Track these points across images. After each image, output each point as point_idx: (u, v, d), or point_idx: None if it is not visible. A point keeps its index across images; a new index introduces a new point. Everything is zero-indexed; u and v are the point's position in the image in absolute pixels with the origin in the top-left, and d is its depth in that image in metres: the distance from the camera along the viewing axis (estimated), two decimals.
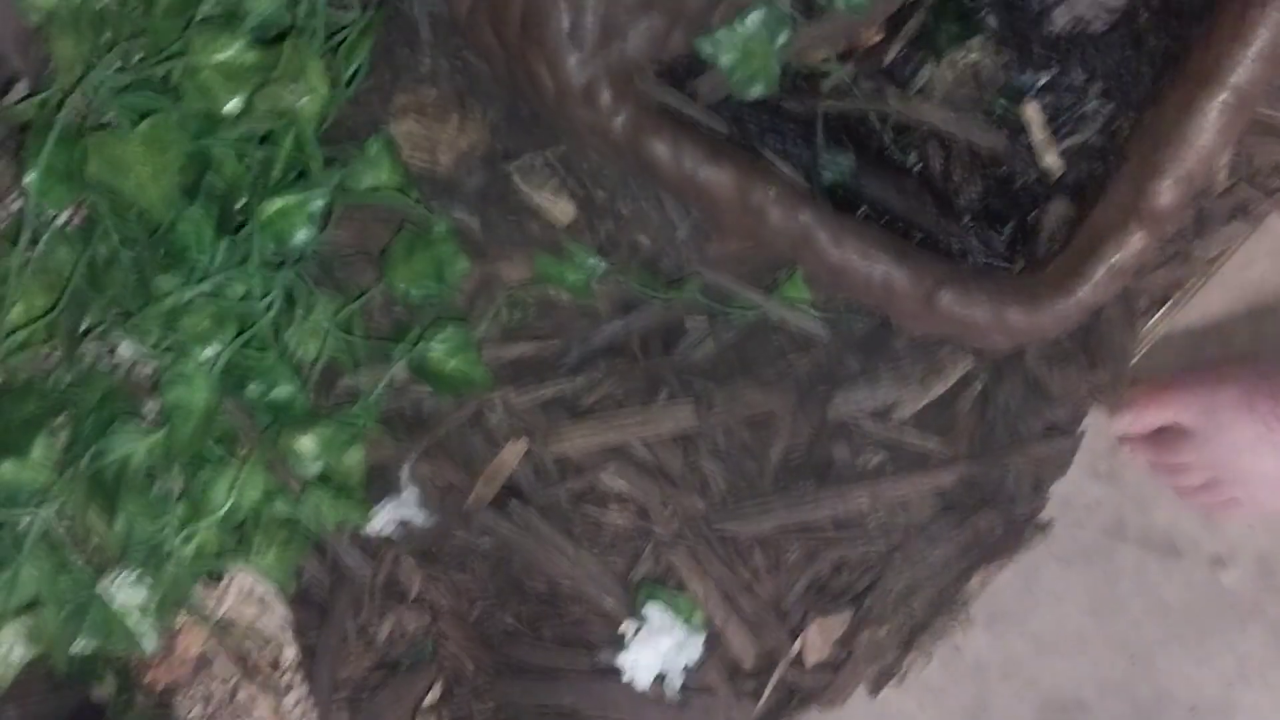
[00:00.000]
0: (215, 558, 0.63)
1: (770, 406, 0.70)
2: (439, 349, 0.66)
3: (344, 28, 0.66)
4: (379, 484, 0.71)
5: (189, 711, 0.68)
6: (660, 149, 0.64)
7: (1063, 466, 0.70)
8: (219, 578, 0.66)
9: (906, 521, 0.70)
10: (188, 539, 0.61)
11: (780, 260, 0.69)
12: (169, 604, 0.63)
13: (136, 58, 0.61)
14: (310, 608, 0.72)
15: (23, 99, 0.63)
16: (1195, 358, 0.82)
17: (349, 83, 0.67)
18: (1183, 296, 0.73)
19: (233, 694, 0.68)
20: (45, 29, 0.63)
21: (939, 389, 0.69)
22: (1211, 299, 0.78)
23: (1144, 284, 0.71)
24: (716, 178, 0.64)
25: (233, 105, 0.59)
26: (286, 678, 0.70)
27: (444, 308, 0.68)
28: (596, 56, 0.64)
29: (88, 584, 0.62)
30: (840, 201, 0.66)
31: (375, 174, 0.67)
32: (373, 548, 0.72)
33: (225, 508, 0.60)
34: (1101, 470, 0.94)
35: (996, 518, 0.69)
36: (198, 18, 0.61)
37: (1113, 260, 0.63)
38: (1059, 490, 0.84)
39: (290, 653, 0.70)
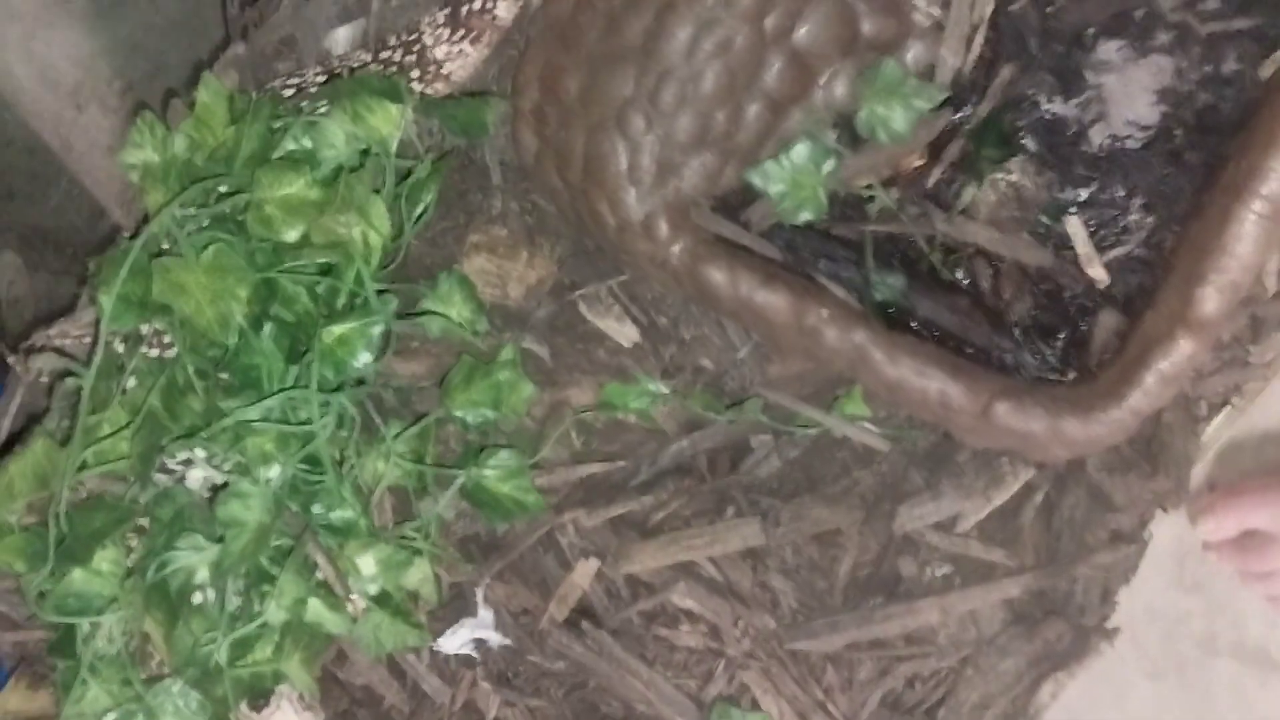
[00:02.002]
0: (261, 668, 0.65)
1: (836, 522, 0.71)
2: (492, 474, 0.68)
3: (411, 170, 0.71)
4: (457, 605, 0.73)
5: None
6: (717, 276, 0.67)
7: (1129, 574, 0.69)
8: (263, 703, 0.68)
9: (976, 634, 0.70)
10: (236, 651, 0.63)
11: (840, 378, 0.71)
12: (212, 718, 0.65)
13: (214, 198, 0.67)
14: None
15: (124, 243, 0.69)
16: (1266, 460, 0.82)
17: (417, 221, 0.71)
18: (1242, 401, 0.73)
19: None
20: (141, 182, 0.69)
21: (1001, 499, 0.70)
22: (1275, 401, 0.77)
23: (1202, 390, 0.72)
24: (772, 301, 0.67)
25: (292, 236, 0.63)
26: None
27: (511, 435, 0.71)
28: (654, 193, 0.68)
29: (139, 694, 0.64)
30: (893, 320, 0.68)
31: (446, 307, 0.71)
32: (450, 671, 0.74)
33: (264, 616, 0.63)
34: (1188, 581, 0.92)
35: (1065, 627, 0.69)
36: (272, 159, 0.67)
37: (1162, 367, 0.64)
38: (1147, 602, 0.83)
39: None
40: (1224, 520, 0.87)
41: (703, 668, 0.73)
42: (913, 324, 0.69)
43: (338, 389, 0.63)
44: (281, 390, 0.62)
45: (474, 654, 0.73)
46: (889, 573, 0.71)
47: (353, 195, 0.63)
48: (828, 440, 0.72)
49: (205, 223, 0.65)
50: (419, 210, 0.70)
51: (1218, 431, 0.74)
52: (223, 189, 0.66)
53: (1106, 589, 0.69)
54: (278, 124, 0.68)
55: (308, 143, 0.67)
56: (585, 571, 0.72)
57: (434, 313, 0.70)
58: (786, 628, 0.71)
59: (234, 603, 0.65)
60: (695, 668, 0.73)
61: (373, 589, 0.68)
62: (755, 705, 0.72)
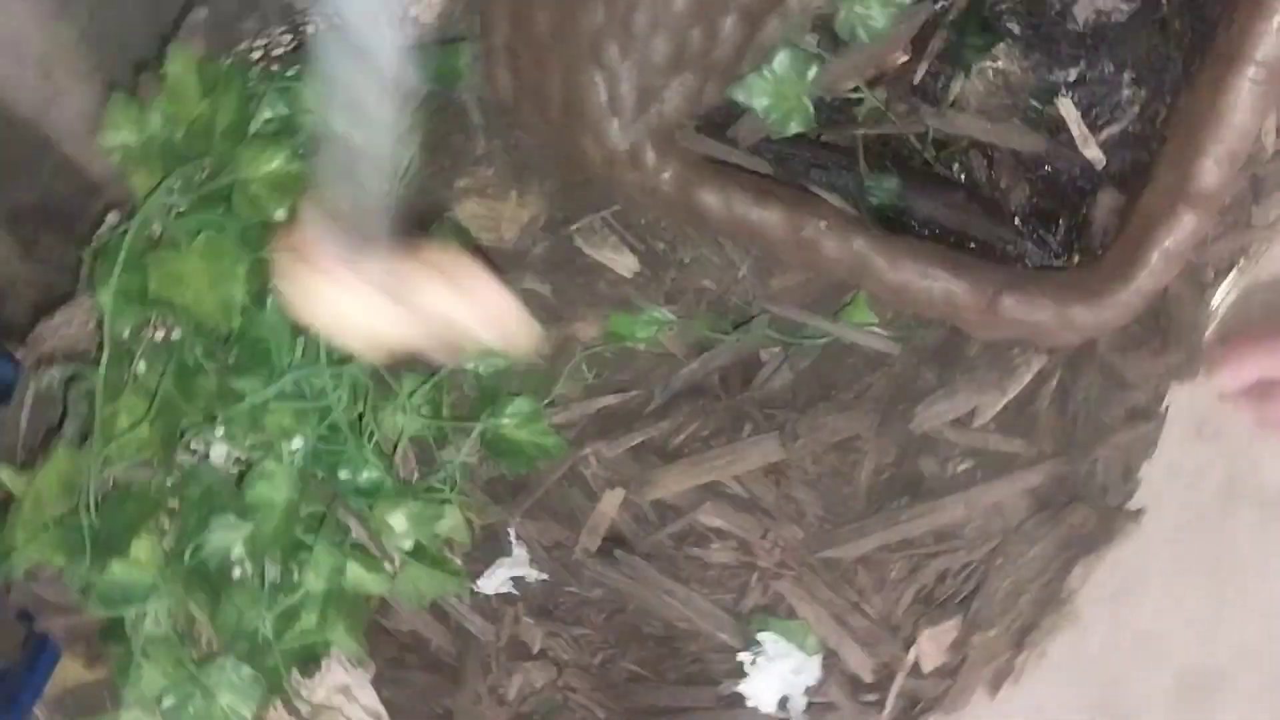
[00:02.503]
0: (308, 639, 0.66)
1: (854, 429, 0.71)
2: (509, 422, 0.69)
3: None
4: (491, 546, 0.75)
5: None
6: (710, 199, 0.67)
7: (1149, 449, 0.70)
8: (314, 668, 0.70)
9: (1002, 525, 0.71)
10: (281, 624, 0.64)
11: (843, 285, 0.71)
12: (268, 693, 0.67)
13: (199, 179, 0.66)
14: (443, 673, 0.76)
15: (114, 229, 0.68)
16: (1277, 309, 0.81)
17: (403, 174, 0.71)
18: (1247, 263, 0.73)
19: None
20: (124, 164, 0.68)
21: (1015, 390, 0.70)
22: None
23: (1207, 257, 0.71)
24: (767, 218, 0.66)
25: (281, 214, 0.63)
26: None
27: (523, 376, 0.71)
28: (637, 121, 0.66)
29: (193, 675, 0.66)
30: (892, 223, 0.67)
31: None
32: (491, 609, 0.76)
33: (303, 588, 0.64)
34: (1206, 432, 0.93)
35: (1089, 512, 0.70)
36: (250, 135, 0.66)
37: (1166, 245, 0.63)
38: (1166, 457, 0.83)
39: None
40: (1239, 370, 0.87)
41: (737, 582, 0.74)
42: (912, 224, 0.68)
43: (347, 359, 0.64)
44: (292, 367, 0.63)
45: (514, 591, 0.75)
46: (911, 473, 0.71)
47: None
48: (837, 347, 0.72)
49: (192, 204, 0.65)
50: (404, 163, 0.69)
51: (1225, 295, 0.74)
52: (205, 169, 0.65)
53: (1128, 467, 0.70)
54: (251, 92, 0.67)
55: (284, 109, 0.66)
56: (612, 501, 0.73)
57: None
58: (814, 536, 0.72)
59: (273, 573, 0.66)
60: (729, 582, 0.74)
61: (407, 544, 0.69)
62: (792, 613, 0.74)
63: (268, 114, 0.66)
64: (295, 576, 0.65)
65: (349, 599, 0.66)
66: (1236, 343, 0.76)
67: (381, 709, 0.73)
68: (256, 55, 0.70)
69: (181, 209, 0.64)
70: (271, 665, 0.65)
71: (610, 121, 0.67)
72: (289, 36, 0.70)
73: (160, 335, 0.69)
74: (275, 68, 0.67)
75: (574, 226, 0.73)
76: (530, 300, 0.72)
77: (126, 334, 0.68)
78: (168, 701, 0.65)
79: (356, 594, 0.67)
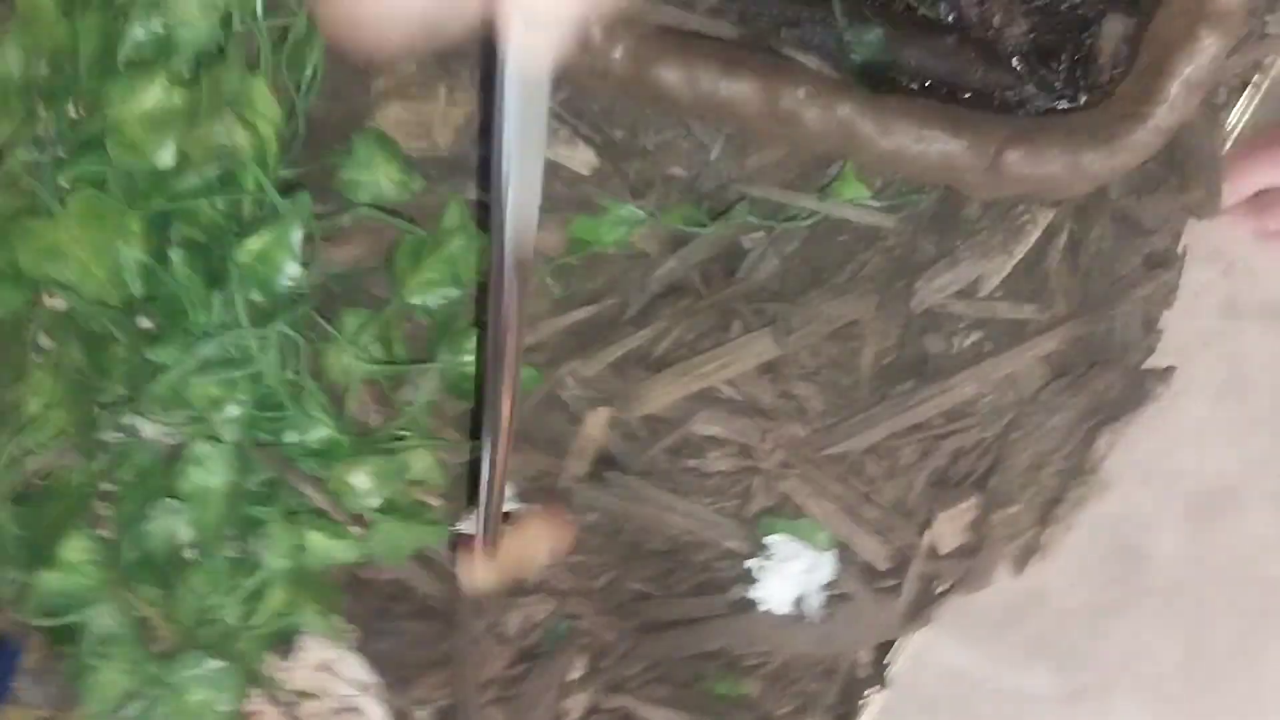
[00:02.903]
0: (279, 620, 0.61)
1: (851, 313, 0.65)
2: (471, 359, 0.62)
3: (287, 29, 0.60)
4: (472, 485, 0.68)
5: None
6: (670, 75, 0.58)
7: (1170, 298, 0.65)
8: (289, 648, 0.64)
9: (1017, 397, 0.66)
10: (247, 608, 0.59)
11: (828, 157, 0.63)
12: (242, 682, 0.61)
13: (67, 124, 0.56)
14: (435, 619, 0.71)
15: None
16: (1273, 118, 0.76)
17: (308, 88, 0.61)
18: (1262, 78, 0.66)
19: None
20: None
21: (1023, 251, 0.64)
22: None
23: (1220, 76, 0.64)
24: (738, 91, 0.58)
25: (166, 158, 0.54)
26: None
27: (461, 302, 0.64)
28: None
29: (155, 674, 0.60)
30: (878, 80, 0.60)
31: (368, 174, 0.62)
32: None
33: (264, 568, 0.58)
34: (1201, 252, 0.88)
35: (1113, 373, 0.64)
36: (121, 65, 0.56)
37: (1186, 73, 0.57)
38: None
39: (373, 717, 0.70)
40: (1237, 182, 0.82)
41: (739, 487, 0.69)
42: (900, 79, 0.61)
43: (272, 314, 0.56)
44: (215, 323, 0.54)
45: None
46: (915, 354, 0.66)
47: (222, 92, 0.53)
48: (825, 226, 0.65)
49: (64, 155, 0.55)
50: (307, 73, 0.59)
51: (1239, 116, 0.67)
52: (76, 110, 0.55)
53: (1148, 319, 0.64)
54: (117, 10, 0.56)
55: (158, 27, 0.56)
56: (597, 421, 0.67)
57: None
58: (818, 433, 0.67)
59: (229, 554, 0.59)
60: (732, 489, 0.69)
61: (374, 501, 0.63)
62: (800, 511, 0.69)
63: (139, 33, 0.56)
64: (254, 555, 0.59)
65: (316, 573, 0.60)
66: (1233, 155, 0.70)
67: (369, 677, 0.67)
68: None
69: (51, 161, 0.55)
70: (242, 653, 0.60)
71: None
72: None
73: (60, 302, 0.60)
74: None
75: None
76: (478, 210, 0.64)
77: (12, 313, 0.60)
78: (133, 709, 0.59)
79: (324, 563, 0.61)
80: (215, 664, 0.59)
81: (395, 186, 0.63)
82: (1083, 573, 0.95)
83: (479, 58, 0.64)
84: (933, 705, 0.95)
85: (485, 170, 0.63)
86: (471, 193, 0.64)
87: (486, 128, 0.64)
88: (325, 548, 0.60)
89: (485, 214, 0.64)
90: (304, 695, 0.65)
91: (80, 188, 0.54)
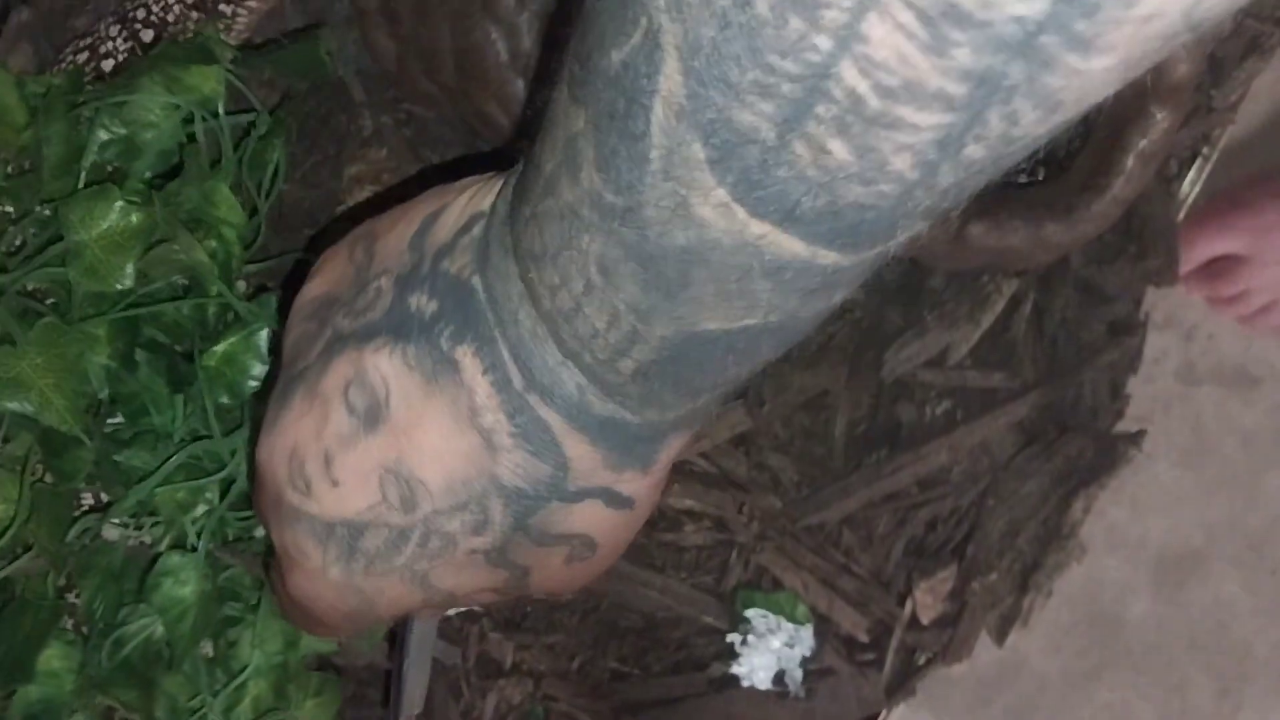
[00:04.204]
0: (267, 712, 0.59)
1: (822, 384, 0.66)
2: None
3: (253, 124, 0.60)
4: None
5: None
6: None
7: (1134, 363, 0.66)
8: None
9: (991, 464, 0.66)
10: (229, 706, 0.57)
11: None
12: None
13: (30, 238, 0.56)
14: None
15: None
16: (1228, 184, 0.78)
17: (270, 189, 0.61)
18: (1212, 150, 0.68)
19: None
20: None
21: (989, 320, 0.65)
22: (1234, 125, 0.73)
23: (1172, 147, 0.66)
24: None
25: (125, 281, 0.53)
26: None
27: None
28: (545, 78, 0.58)
29: None
30: None
31: None
32: (454, 631, 0.69)
33: (250, 668, 0.57)
34: (1158, 319, 0.90)
35: (1083, 438, 0.65)
36: (84, 171, 0.55)
37: (1141, 146, 0.59)
38: None
39: None
40: (1190, 251, 0.84)
41: (716, 561, 0.69)
42: None
43: (241, 418, 0.55)
44: (179, 425, 0.54)
45: (476, 608, 0.68)
46: (887, 422, 0.66)
47: (179, 209, 0.53)
48: None
49: (28, 273, 0.55)
50: (270, 171, 0.60)
51: (1191, 186, 0.69)
52: (39, 221, 0.55)
53: (1115, 384, 0.65)
54: (80, 112, 0.57)
55: (120, 128, 0.56)
56: None
57: None
58: (793, 503, 0.67)
59: (208, 654, 0.58)
60: (708, 563, 0.69)
61: None
62: (778, 584, 0.69)
63: (104, 135, 0.56)
64: (234, 651, 0.58)
65: (297, 664, 0.59)
66: (1185, 225, 0.72)
67: None
68: (84, 58, 0.60)
69: (15, 279, 0.54)
70: None
71: (515, 83, 0.59)
72: (119, 30, 0.60)
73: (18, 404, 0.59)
74: (108, 74, 0.57)
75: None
76: None
77: None
78: None
79: (304, 657, 0.60)
80: None
81: None
82: (1056, 641, 0.96)
83: (451, 144, 0.65)
84: None
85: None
86: None
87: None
88: (303, 640, 0.59)
89: None
90: None
91: (47, 299, 0.53)
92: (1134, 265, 0.64)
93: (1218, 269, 0.89)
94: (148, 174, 0.55)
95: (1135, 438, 0.65)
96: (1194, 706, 0.97)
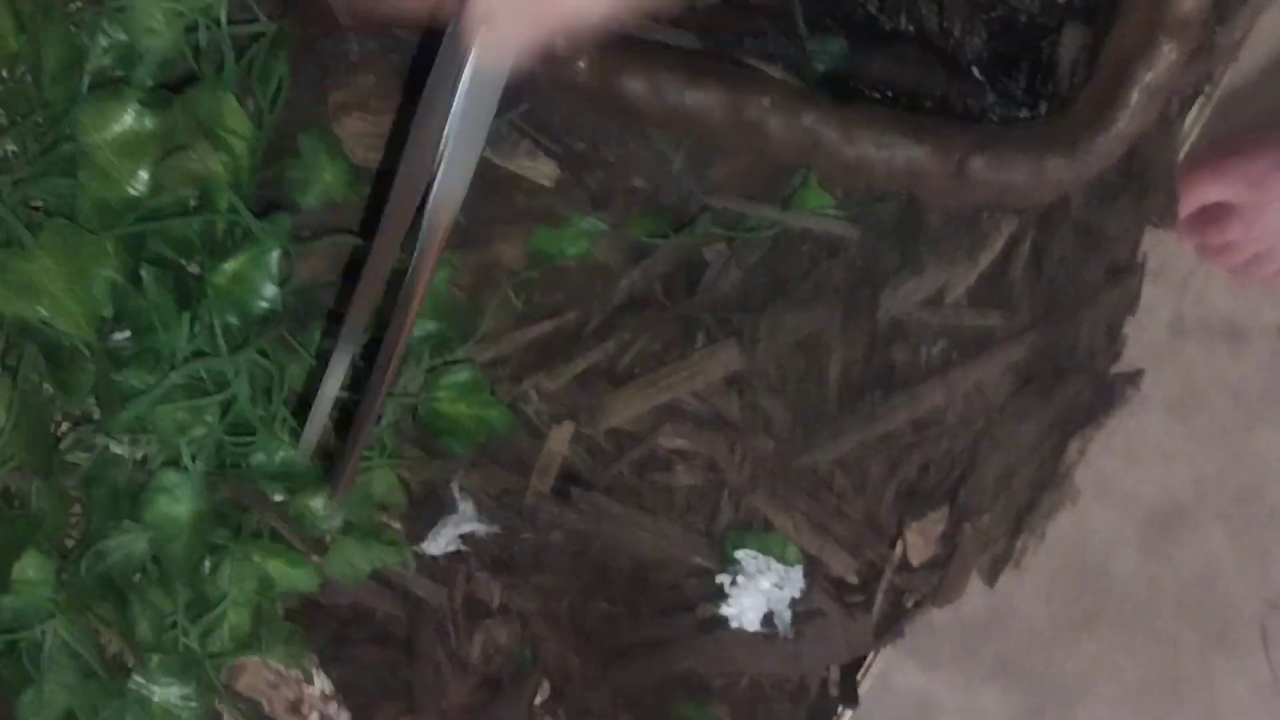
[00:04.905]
0: (236, 650, 0.59)
1: (816, 324, 0.65)
2: (445, 396, 0.60)
3: (255, 39, 0.59)
4: (431, 504, 0.67)
5: None
6: (635, 85, 0.58)
7: (1132, 305, 0.65)
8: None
9: (986, 406, 0.65)
10: (206, 633, 0.57)
11: (791, 166, 0.63)
12: (206, 694, 0.59)
13: (33, 145, 0.54)
14: (395, 644, 0.69)
15: None
16: (1216, 132, 0.77)
17: (274, 99, 0.60)
18: (1214, 90, 0.67)
19: None
20: None
21: (987, 259, 0.64)
22: (1234, 70, 0.72)
23: (1177, 83, 0.65)
24: (703, 102, 0.58)
25: (139, 187, 0.52)
26: (314, 717, 0.67)
27: (441, 311, 0.62)
28: None
29: (118, 689, 0.58)
30: (841, 91, 0.60)
31: (319, 177, 0.61)
32: (441, 570, 0.68)
33: (224, 603, 0.56)
34: (1149, 268, 0.89)
35: (1080, 379, 0.65)
36: (85, 78, 0.54)
37: (1146, 80, 0.58)
38: None
39: (312, 690, 0.68)
40: (1182, 198, 0.83)
41: (707, 503, 0.68)
42: (862, 90, 0.61)
43: (246, 337, 0.54)
44: (185, 345, 0.53)
45: (463, 548, 0.68)
46: (882, 364, 0.65)
47: (197, 115, 0.51)
48: (787, 237, 0.65)
49: (30, 177, 0.53)
50: (274, 85, 0.58)
51: (1191, 126, 0.68)
52: (40, 129, 0.53)
53: (1112, 325, 0.65)
54: (78, 20, 0.55)
55: (121, 34, 0.54)
56: (561, 436, 0.66)
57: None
58: (786, 445, 0.66)
59: (187, 579, 0.57)
60: (699, 505, 0.68)
61: (335, 524, 0.61)
62: (769, 526, 0.68)
63: (103, 43, 0.54)
64: (215, 581, 0.57)
65: (277, 600, 0.58)
66: (1180, 170, 0.71)
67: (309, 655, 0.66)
68: None
69: (16, 185, 0.53)
70: (199, 671, 0.57)
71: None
72: None
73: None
74: None
75: None
76: None
77: None
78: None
79: (285, 593, 0.59)
80: (174, 689, 0.57)
81: (343, 188, 0.62)
82: (1044, 590, 0.96)
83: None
84: None
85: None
86: None
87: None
88: (286, 576, 0.58)
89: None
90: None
91: (50, 212, 0.52)
92: (1134, 206, 0.64)
93: (1209, 216, 0.87)
94: (149, 83, 0.53)
95: (1133, 378, 0.65)
96: (1179, 660, 0.97)
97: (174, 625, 0.58)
